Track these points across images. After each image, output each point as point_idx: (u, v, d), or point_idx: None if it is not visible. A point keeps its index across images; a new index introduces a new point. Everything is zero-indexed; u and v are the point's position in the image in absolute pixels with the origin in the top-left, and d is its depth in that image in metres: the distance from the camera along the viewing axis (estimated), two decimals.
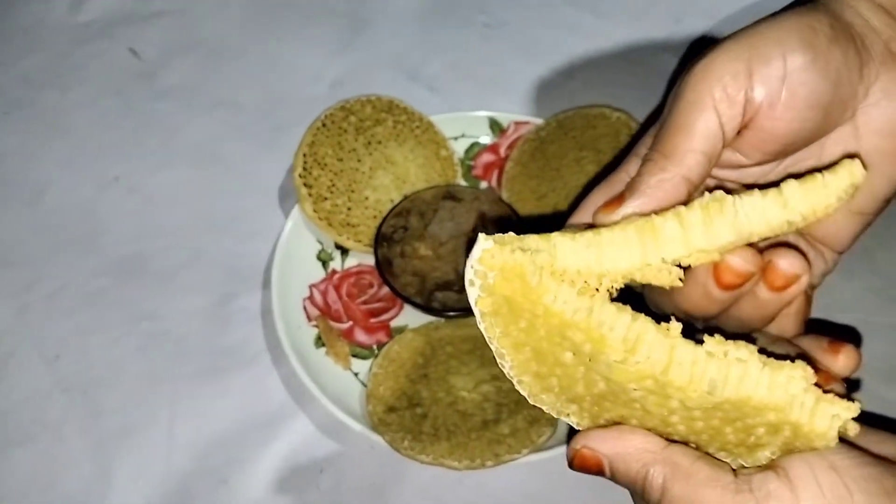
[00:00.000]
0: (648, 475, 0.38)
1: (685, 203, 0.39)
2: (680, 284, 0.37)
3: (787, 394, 0.35)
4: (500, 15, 0.89)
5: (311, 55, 0.86)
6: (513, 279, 0.35)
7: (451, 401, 0.62)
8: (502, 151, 0.76)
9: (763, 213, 0.37)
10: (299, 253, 0.70)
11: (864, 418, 0.36)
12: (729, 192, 0.38)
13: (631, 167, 0.45)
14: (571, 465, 0.40)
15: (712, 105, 0.40)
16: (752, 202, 0.37)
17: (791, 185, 0.37)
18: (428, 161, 0.74)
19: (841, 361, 0.41)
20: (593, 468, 0.40)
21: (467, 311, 0.66)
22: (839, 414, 0.35)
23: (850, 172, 0.38)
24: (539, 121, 0.76)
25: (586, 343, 0.35)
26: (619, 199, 0.40)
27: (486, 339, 0.38)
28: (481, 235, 0.36)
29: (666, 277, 0.37)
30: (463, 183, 0.75)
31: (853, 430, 0.35)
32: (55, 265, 0.72)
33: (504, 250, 0.35)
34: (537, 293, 0.35)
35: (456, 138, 0.77)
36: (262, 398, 0.65)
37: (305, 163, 0.71)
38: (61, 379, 0.66)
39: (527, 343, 0.37)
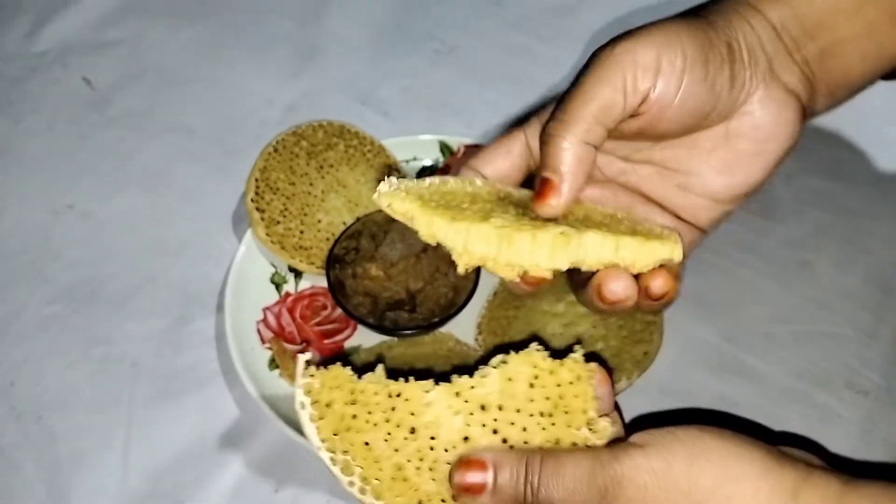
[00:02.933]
0: (530, 473, 0.42)
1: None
2: (517, 281, 0.46)
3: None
4: (449, 41, 0.91)
5: (263, 81, 0.87)
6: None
7: None
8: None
9: (597, 253, 0.45)
10: (253, 276, 0.71)
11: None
12: None
13: (530, 129, 0.51)
14: (457, 489, 0.44)
15: (622, 86, 0.45)
16: (593, 243, 0.45)
17: (626, 240, 0.45)
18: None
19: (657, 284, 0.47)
20: (479, 483, 0.43)
21: (419, 330, 0.67)
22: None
23: (672, 250, 0.47)
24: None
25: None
26: (550, 185, 0.46)
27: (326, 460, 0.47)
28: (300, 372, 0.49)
29: (509, 273, 0.46)
30: None
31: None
32: (8, 292, 0.73)
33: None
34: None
35: (408, 161, 0.79)
36: (216, 420, 0.66)
37: (258, 187, 0.72)
38: (15, 405, 0.67)
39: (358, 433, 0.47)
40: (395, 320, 0.67)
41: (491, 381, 0.46)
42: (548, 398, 0.46)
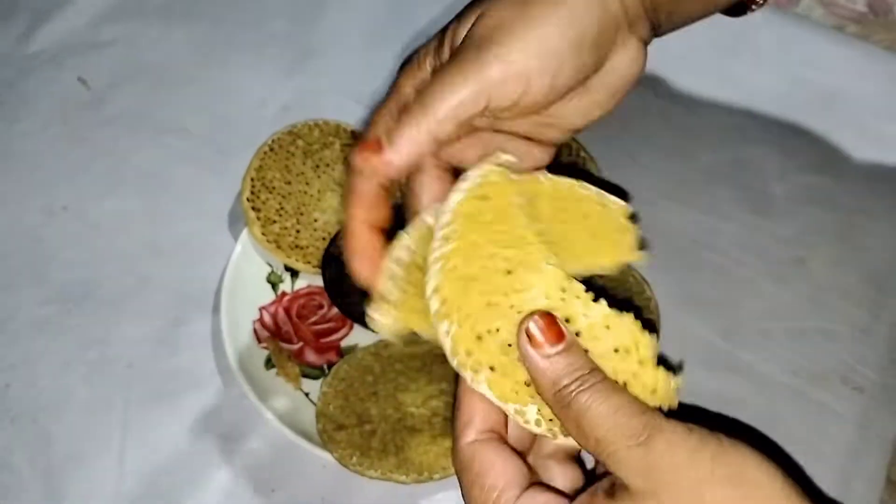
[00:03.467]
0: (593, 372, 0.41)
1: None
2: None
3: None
4: None
5: (258, 81, 0.87)
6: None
7: (400, 417, 0.63)
8: None
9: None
10: (249, 276, 0.71)
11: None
12: None
13: (406, 87, 0.49)
14: (536, 323, 0.41)
15: (487, 88, 0.43)
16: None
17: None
18: None
19: None
20: (557, 329, 0.41)
21: None
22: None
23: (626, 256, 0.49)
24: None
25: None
26: (377, 144, 0.44)
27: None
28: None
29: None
30: None
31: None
32: (2, 293, 0.72)
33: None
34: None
35: None
36: (212, 421, 0.66)
37: (253, 187, 0.72)
38: (10, 407, 0.66)
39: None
40: None
41: (596, 311, 0.42)
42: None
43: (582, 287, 0.42)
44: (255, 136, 0.75)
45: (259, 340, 0.68)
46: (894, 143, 0.78)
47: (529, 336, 0.40)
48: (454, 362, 0.42)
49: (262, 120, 0.82)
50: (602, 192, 0.49)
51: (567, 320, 0.41)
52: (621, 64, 0.48)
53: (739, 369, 0.66)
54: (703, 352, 0.67)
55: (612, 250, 0.49)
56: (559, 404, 0.40)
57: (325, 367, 0.68)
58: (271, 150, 0.74)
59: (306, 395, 0.66)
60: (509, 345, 0.42)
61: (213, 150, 0.82)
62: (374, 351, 0.67)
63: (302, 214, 0.73)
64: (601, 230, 0.48)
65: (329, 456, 0.61)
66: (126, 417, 0.66)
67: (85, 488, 0.62)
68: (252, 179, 0.72)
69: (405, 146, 0.43)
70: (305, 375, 0.67)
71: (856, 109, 0.81)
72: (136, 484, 0.63)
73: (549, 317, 0.40)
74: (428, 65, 0.49)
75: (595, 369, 0.40)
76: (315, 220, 0.73)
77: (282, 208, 0.72)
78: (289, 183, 0.73)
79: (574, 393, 0.39)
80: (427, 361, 0.67)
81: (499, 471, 0.42)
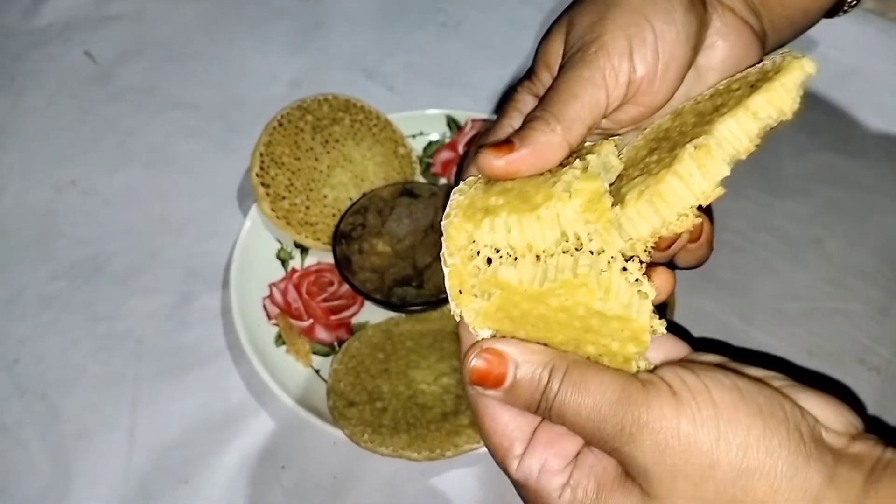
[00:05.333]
0: (552, 375, 0.39)
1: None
2: (699, 221, 0.40)
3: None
4: (455, 14, 0.90)
5: (267, 56, 0.86)
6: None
7: (411, 394, 0.62)
8: (460, 148, 0.77)
9: (741, 134, 0.40)
10: (258, 252, 0.71)
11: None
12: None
13: (513, 120, 0.47)
14: (471, 377, 0.40)
15: (603, 82, 0.43)
16: (728, 129, 0.39)
17: (754, 98, 0.40)
18: (386, 159, 0.75)
19: (656, 283, 0.42)
20: (495, 371, 0.39)
21: (427, 306, 0.67)
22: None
23: (801, 68, 0.40)
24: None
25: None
26: (508, 145, 0.41)
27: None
28: None
29: (687, 224, 0.40)
30: (422, 180, 0.76)
31: (660, 328, 0.39)
32: (12, 269, 0.72)
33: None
34: None
35: (414, 136, 0.78)
36: (222, 397, 0.65)
37: (262, 162, 0.71)
38: (20, 382, 0.66)
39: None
40: (402, 296, 0.67)
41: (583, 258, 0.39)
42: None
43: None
44: (264, 112, 0.75)
45: (269, 317, 0.68)
46: None
47: (481, 378, 0.40)
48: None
49: (271, 95, 0.82)
50: None
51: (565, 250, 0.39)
52: (727, 45, 0.47)
53: (755, 349, 0.65)
54: (719, 332, 0.66)
55: None
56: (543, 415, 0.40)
57: (336, 344, 0.67)
58: (280, 125, 0.73)
59: (317, 371, 0.66)
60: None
61: (221, 125, 0.81)
62: (384, 328, 0.67)
63: (311, 190, 0.72)
64: None
65: (340, 433, 0.60)
66: (135, 393, 0.65)
67: (94, 464, 0.62)
68: (261, 155, 0.71)
69: (541, 146, 0.42)
70: (316, 352, 0.67)
71: (873, 86, 0.80)
72: (145, 459, 0.62)
73: (481, 350, 0.40)
74: (527, 95, 0.48)
75: (554, 362, 0.39)
76: (325, 197, 0.72)
77: (291, 184, 0.71)
78: (298, 159, 0.72)
79: (548, 410, 0.39)
80: (438, 338, 0.66)
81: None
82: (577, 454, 0.40)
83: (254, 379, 0.64)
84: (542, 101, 0.44)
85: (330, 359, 0.66)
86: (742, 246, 0.71)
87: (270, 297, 0.69)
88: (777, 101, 0.40)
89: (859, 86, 0.80)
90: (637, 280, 0.39)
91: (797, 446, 0.37)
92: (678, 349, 0.42)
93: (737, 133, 0.40)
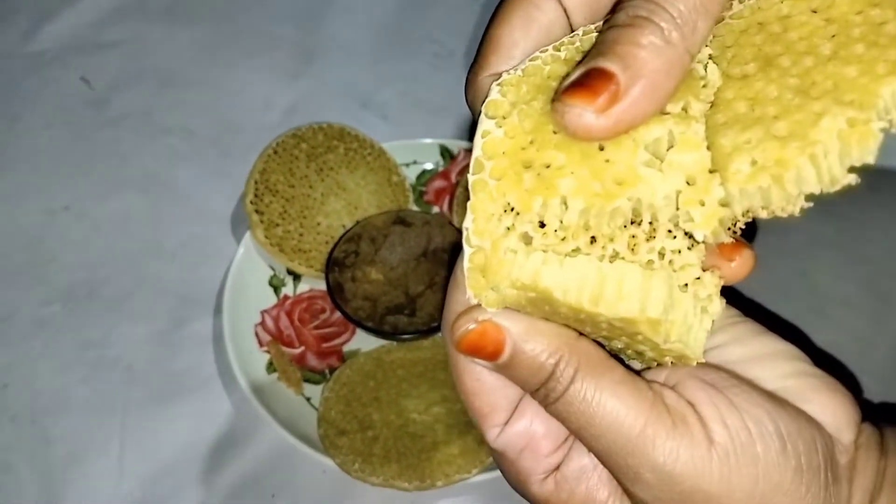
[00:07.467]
0: (559, 365, 0.32)
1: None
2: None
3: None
4: (448, 44, 0.91)
5: (263, 83, 0.87)
6: None
7: (402, 423, 0.62)
8: (453, 177, 0.78)
9: None
10: (251, 279, 0.71)
11: None
12: None
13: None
14: (459, 344, 0.32)
15: None
16: (892, 94, 0.29)
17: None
18: (380, 187, 0.76)
19: (736, 264, 0.36)
20: (489, 347, 0.31)
21: (419, 334, 0.67)
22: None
23: None
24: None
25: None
26: (605, 78, 0.27)
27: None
28: None
29: (793, 210, 0.32)
30: (415, 208, 0.77)
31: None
32: (3, 293, 0.72)
33: None
34: None
35: (408, 165, 0.79)
36: (213, 424, 0.65)
37: (257, 189, 0.71)
38: (9, 407, 0.66)
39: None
40: (394, 324, 0.67)
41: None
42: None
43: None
44: (259, 139, 0.75)
45: (260, 344, 0.68)
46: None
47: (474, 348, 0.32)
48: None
49: (266, 122, 0.82)
50: None
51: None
52: None
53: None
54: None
55: None
56: (545, 403, 0.33)
57: (327, 371, 0.68)
58: (275, 152, 0.74)
59: (308, 399, 0.66)
60: None
61: (216, 152, 0.81)
62: (376, 356, 0.67)
63: (305, 218, 0.72)
64: None
65: (330, 461, 0.60)
66: (125, 419, 0.65)
67: (84, 490, 0.62)
68: (256, 182, 0.72)
69: (659, 74, 0.28)
70: (307, 380, 0.67)
71: None
72: (135, 486, 0.62)
73: (475, 340, 0.32)
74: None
75: (566, 349, 0.32)
76: (318, 224, 0.73)
77: (285, 211, 0.72)
78: (292, 186, 0.73)
79: (552, 401, 0.32)
80: (429, 367, 0.66)
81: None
82: (567, 437, 0.35)
83: (244, 406, 0.64)
84: None
85: (321, 386, 0.66)
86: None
87: (262, 323, 0.69)
88: None
89: None
90: (709, 296, 0.31)
91: (825, 492, 0.33)
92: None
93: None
